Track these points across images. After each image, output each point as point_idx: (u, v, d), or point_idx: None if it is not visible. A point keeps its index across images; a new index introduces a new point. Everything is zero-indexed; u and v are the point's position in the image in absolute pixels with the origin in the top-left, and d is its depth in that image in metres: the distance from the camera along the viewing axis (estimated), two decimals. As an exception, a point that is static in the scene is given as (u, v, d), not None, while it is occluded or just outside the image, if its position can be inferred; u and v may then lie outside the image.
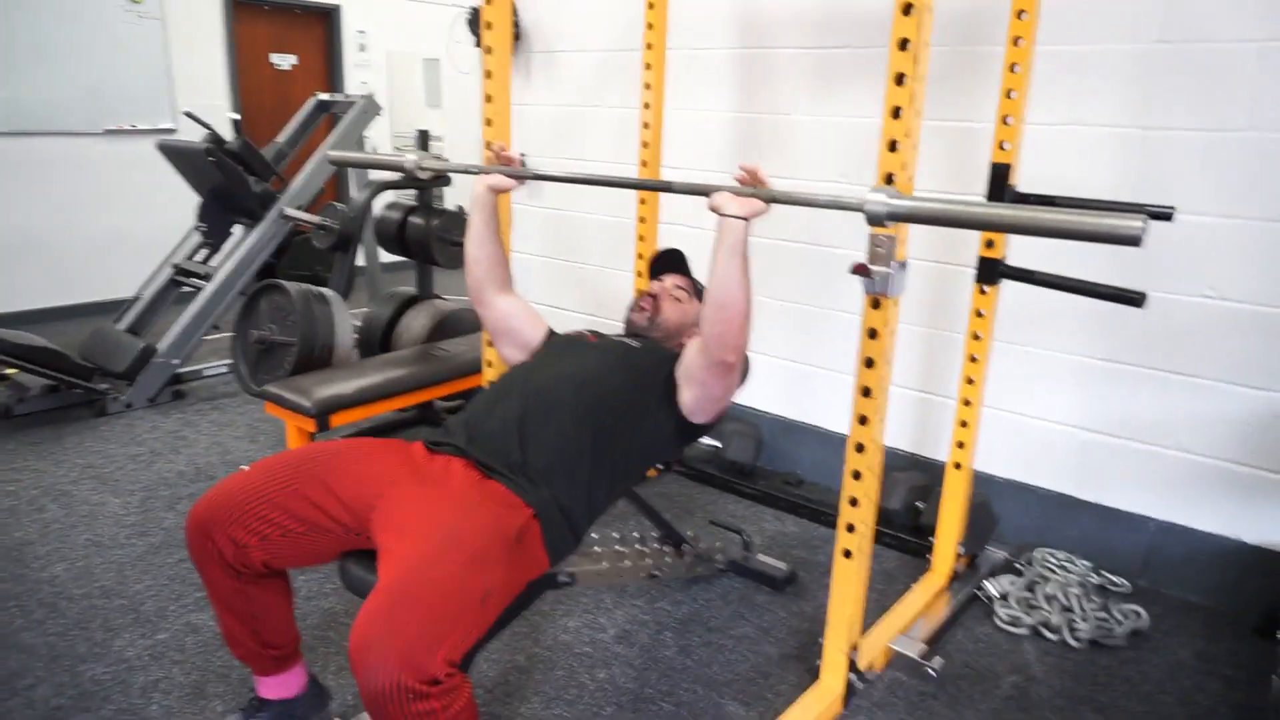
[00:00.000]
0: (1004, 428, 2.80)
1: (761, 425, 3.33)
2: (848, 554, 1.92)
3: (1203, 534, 2.52)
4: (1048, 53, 2.51)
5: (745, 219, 1.68)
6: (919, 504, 2.81)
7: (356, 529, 1.62)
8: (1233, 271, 2.37)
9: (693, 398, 1.83)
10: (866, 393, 1.81)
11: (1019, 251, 2.53)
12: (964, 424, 2.43)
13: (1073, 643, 2.30)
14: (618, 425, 1.80)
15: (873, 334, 1.78)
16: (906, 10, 1.62)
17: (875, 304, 1.76)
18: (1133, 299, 2.07)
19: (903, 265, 1.74)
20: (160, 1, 5.54)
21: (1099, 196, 2.47)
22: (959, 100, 2.69)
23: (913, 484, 2.86)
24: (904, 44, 1.64)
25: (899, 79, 1.65)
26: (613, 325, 2.56)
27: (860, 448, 1.84)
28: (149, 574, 2.52)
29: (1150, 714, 2.05)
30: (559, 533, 1.65)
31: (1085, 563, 2.64)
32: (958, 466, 2.46)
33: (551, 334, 2.11)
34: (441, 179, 3.61)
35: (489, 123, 2.43)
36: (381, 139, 6.91)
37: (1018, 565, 2.62)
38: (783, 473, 3.30)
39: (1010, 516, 2.81)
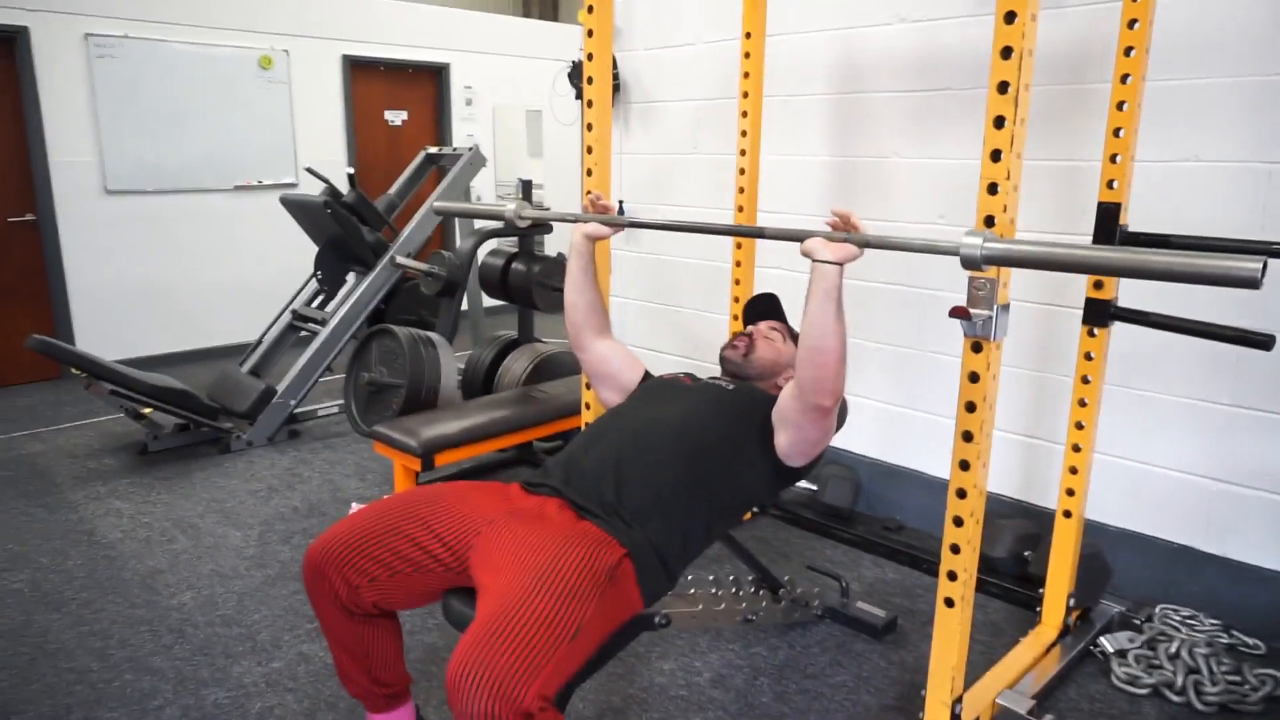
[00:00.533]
0: (1120, 476, 2.68)
1: (859, 469, 3.28)
2: (950, 602, 1.87)
3: (1346, 593, 2.34)
4: (1162, 87, 2.45)
5: (839, 264, 1.69)
6: (1026, 553, 2.71)
7: (457, 567, 1.68)
8: (1371, 311, 2.23)
9: (789, 441, 1.84)
10: (968, 437, 1.77)
11: (1132, 292, 2.45)
12: (1073, 470, 2.34)
13: (1200, 706, 2.16)
14: (713, 468, 1.81)
15: (974, 378, 1.74)
16: (1005, 54, 1.62)
17: (976, 348, 1.73)
18: (1260, 341, 1.97)
19: (1005, 308, 1.71)
20: (288, 66, 5.95)
21: (1221, 235, 2.38)
22: (1066, 139, 2.63)
23: (1019, 532, 2.76)
24: (1003, 87, 1.63)
25: (998, 122, 1.64)
26: (708, 368, 2.59)
27: (962, 493, 1.80)
28: (265, 604, 2.65)
29: (1289, 788, 1.91)
30: (652, 573, 1.67)
31: (1214, 621, 2.48)
32: (1068, 515, 2.36)
33: (647, 376, 2.15)
34: (541, 227, 3.74)
35: (589, 172, 2.52)
36: (486, 189, 7.19)
37: (1136, 621, 2.49)
38: (882, 518, 3.23)
39: (1128, 570, 2.67)
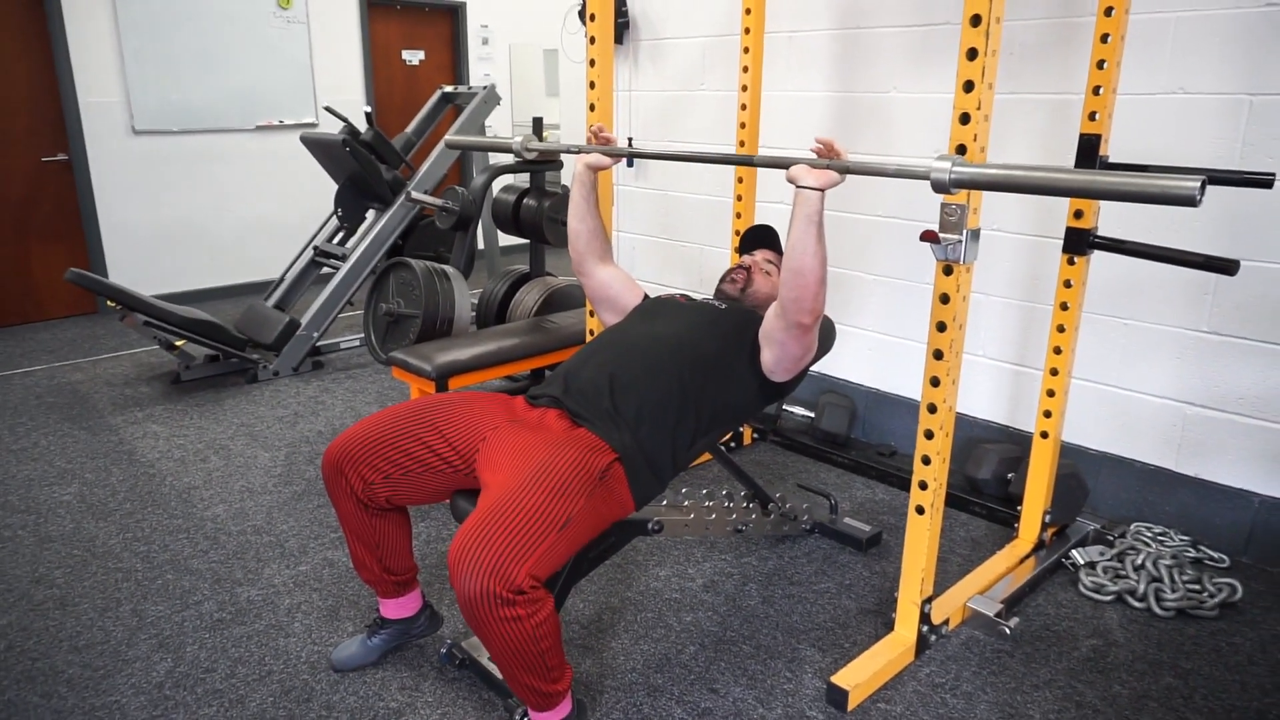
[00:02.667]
0: (1101, 401, 2.78)
1: (856, 397, 3.40)
2: (920, 510, 2.00)
3: (1310, 511, 2.45)
4: (1149, 20, 2.48)
5: (820, 190, 1.78)
6: (1009, 475, 2.83)
7: (464, 468, 1.83)
8: (1345, 240, 2.30)
9: (773, 357, 1.96)
10: (938, 355, 1.88)
11: (1117, 222, 2.52)
12: (1051, 393, 2.44)
13: (1159, 611, 2.29)
14: (703, 380, 1.94)
15: (945, 299, 1.85)
16: (977, -13, 1.69)
17: (947, 270, 1.84)
18: (1224, 267, 2.05)
19: (975, 234, 1.80)
20: (306, 6, 6.00)
21: (1202, 165, 2.44)
22: (1057, 73, 2.68)
23: (1003, 455, 2.87)
24: (976, 20, 1.70)
25: (971, 54, 1.72)
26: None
27: (932, 408, 1.92)
28: (293, 516, 2.84)
29: (1235, 682, 2.05)
30: (642, 476, 1.81)
31: (1184, 538, 2.60)
32: (1044, 435, 2.47)
33: (646, 299, 2.27)
34: (552, 162, 3.84)
35: (592, 107, 2.60)
36: (504, 127, 7.24)
37: (1110, 538, 2.61)
38: (876, 444, 3.36)
39: (1107, 491, 2.80)
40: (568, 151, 2.31)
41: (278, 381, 4.20)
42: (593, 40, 2.55)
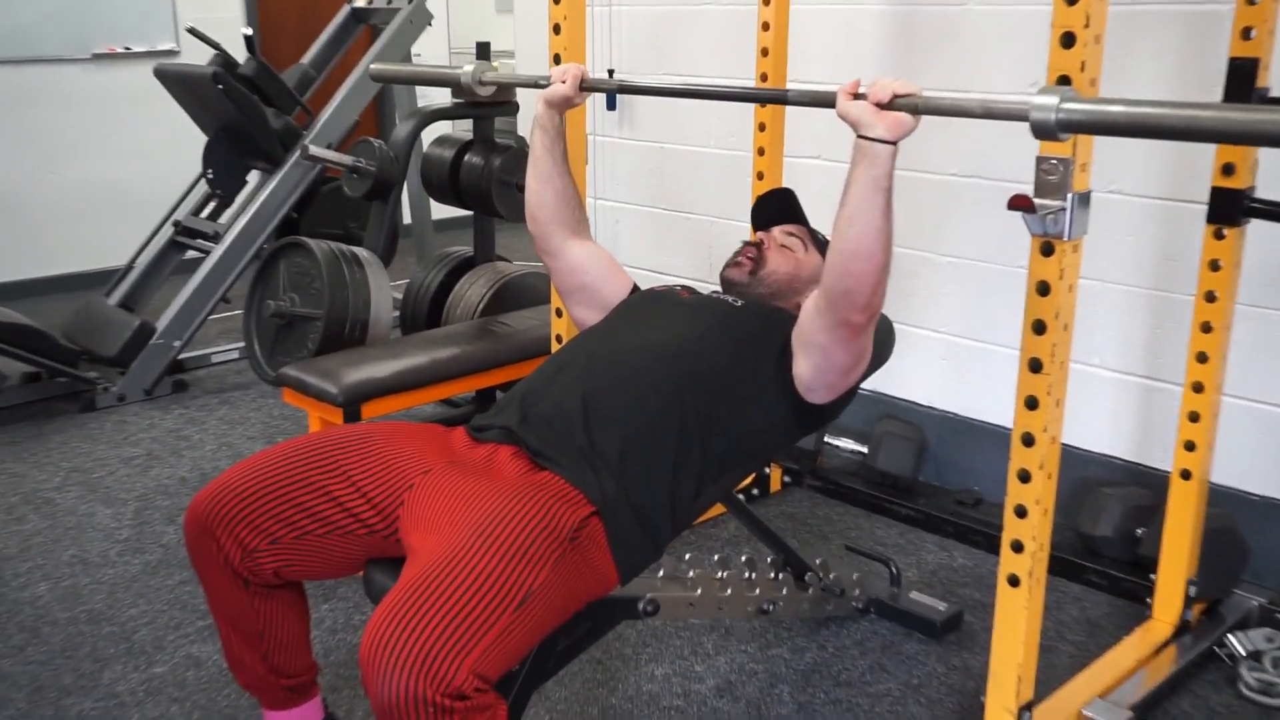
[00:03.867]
0: (1265, 427, 2.81)
1: (925, 425, 3.42)
2: (1014, 581, 2.01)
3: None
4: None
5: (893, 142, 1.76)
6: (1138, 530, 2.84)
7: (384, 529, 1.83)
8: None
9: (812, 368, 1.96)
10: (1036, 366, 1.90)
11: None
12: (1194, 417, 2.46)
13: (1349, 720, 2.31)
14: (713, 403, 1.94)
15: (1043, 289, 1.87)
16: None
17: (1046, 249, 1.85)
18: None
19: (1084, 198, 1.82)
20: (159, -111, 6.04)
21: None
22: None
23: (1130, 503, 2.89)
24: (1081, -96, 1.73)
25: (1074, -49, 1.74)
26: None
27: (1029, 440, 1.93)
28: (144, 597, 2.83)
29: None
30: (630, 537, 1.80)
31: (1383, 617, 2.62)
32: (1186, 476, 2.49)
33: (635, 290, 2.29)
34: (507, 104, 3.86)
35: (557, 28, 2.63)
36: (437, 57, 7.28)
37: (1280, 616, 2.64)
38: (953, 489, 3.38)
39: (1273, 550, 2.81)
40: (534, 85, 2.30)
41: (124, 409, 4.19)
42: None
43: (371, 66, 2.69)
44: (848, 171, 1.78)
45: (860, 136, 1.76)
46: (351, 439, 1.91)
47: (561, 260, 2.29)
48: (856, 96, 1.75)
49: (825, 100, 1.84)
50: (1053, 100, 1.59)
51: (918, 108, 1.76)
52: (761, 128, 3.15)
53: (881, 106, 1.73)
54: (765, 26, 3.06)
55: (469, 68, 2.31)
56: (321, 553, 1.83)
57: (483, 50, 3.75)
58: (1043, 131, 1.63)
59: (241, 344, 4.20)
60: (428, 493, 1.79)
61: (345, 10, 4.98)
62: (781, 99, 2.00)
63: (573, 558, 1.69)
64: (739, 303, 2.16)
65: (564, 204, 2.26)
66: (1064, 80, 1.77)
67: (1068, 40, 1.77)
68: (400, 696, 1.43)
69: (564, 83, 2.19)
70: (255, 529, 1.80)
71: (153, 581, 2.91)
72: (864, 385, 3.19)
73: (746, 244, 2.29)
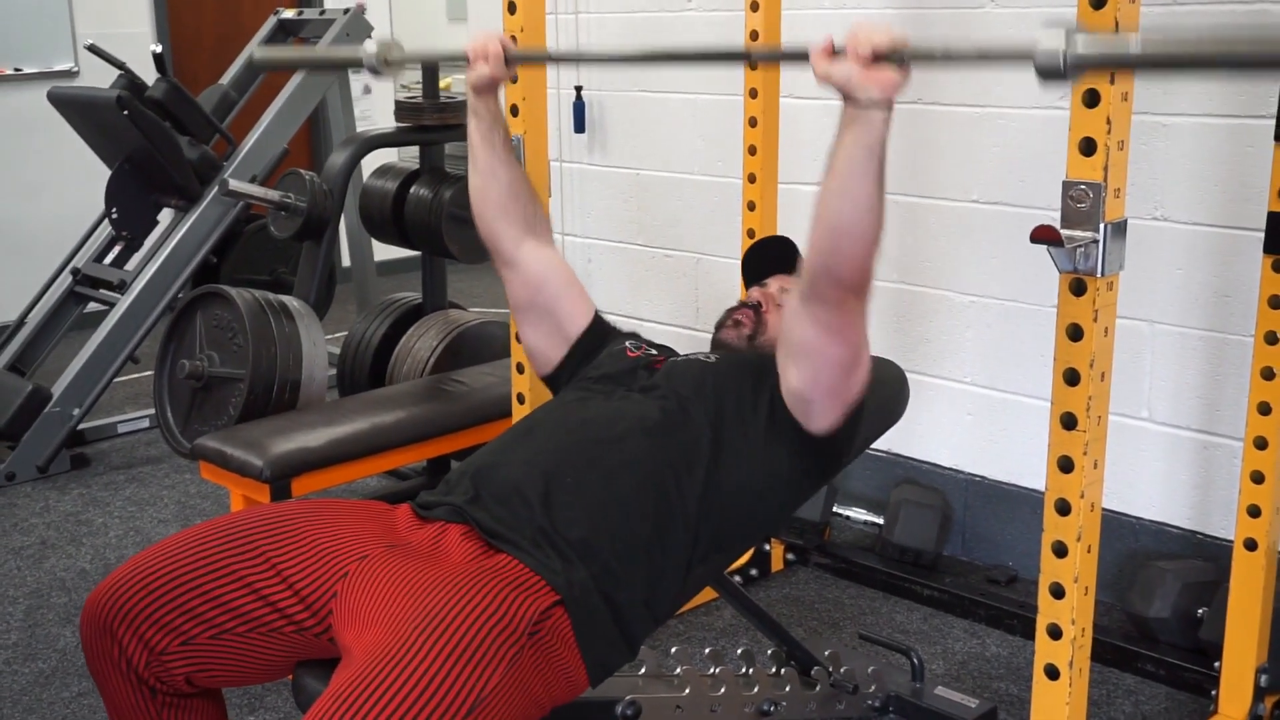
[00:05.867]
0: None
1: (950, 490, 3.43)
2: (1052, 673, 2.01)
3: None
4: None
5: (889, 104, 1.77)
6: (1200, 611, 2.85)
7: (315, 627, 1.81)
8: None
9: (803, 377, 1.93)
10: (1070, 422, 1.91)
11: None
12: (1258, 478, 2.47)
13: None
14: (700, 475, 1.94)
15: (1075, 333, 1.88)
16: None
17: (1078, 287, 1.87)
18: None
19: (1119, 227, 1.84)
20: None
21: None
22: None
23: (1189, 579, 2.89)
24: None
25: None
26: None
27: (1064, 507, 1.94)
28: (35, 713, 2.79)
29: None
30: (601, 632, 1.79)
31: None
32: (1251, 546, 2.50)
33: (599, 321, 2.29)
34: (460, 126, 3.87)
35: (513, 39, 2.64)
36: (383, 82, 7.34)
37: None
38: (984, 565, 3.38)
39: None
40: (453, 61, 2.27)
41: (14, 490, 4.16)
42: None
43: (255, 52, 2.66)
44: (834, 140, 1.77)
45: (849, 102, 1.74)
46: (277, 520, 1.89)
47: (518, 270, 2.27)
48: (834, 53, 1.73)
49: (796, 56, 1.79)
50: (1058, 36, 1.51)
51: (904, 59, 1.71)
52: (752, 150, 3.18)
53: (866, 64, 1.72)
54: (754, 36, 3.09)
55: (371, 46, 2.28)
56: (242, 654, 1.81)
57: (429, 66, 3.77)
58: (1049, 72, 1.53)
59: (152, 411, 4.19)
60: (364, 582, 1.77)
61: (271, 22, 5.02)
62: (744, 57, 1.97)
63: (532, 656, 1.67)
64: (713, 357, 2.18)
65: (513, 199, 2.26)
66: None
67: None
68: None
69: (485, 61, 2.17)
70: (163, 627, 1.78)
71: (45, 694, 2.87)
72: (877, 446, 3.25)
73: (743, 305, 2.31)
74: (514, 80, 2.59)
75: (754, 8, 3.08)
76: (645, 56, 2.21)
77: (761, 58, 1.98)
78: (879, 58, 1.69)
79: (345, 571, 1.81)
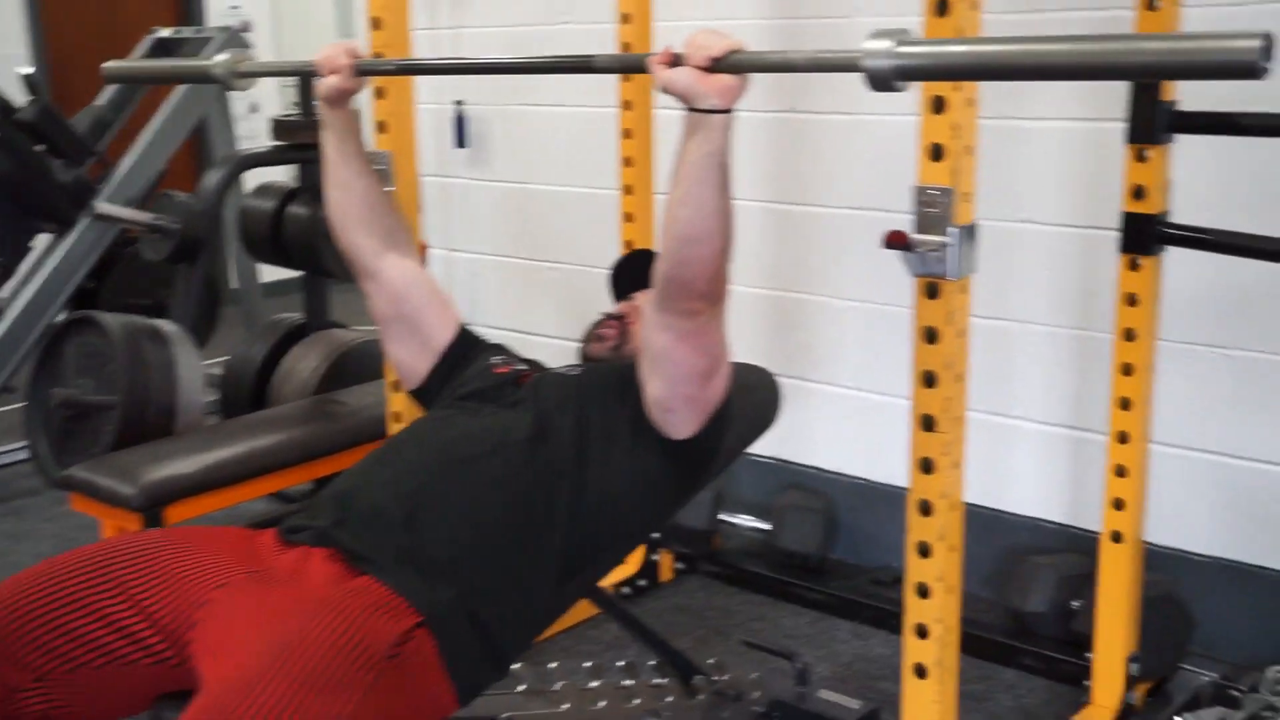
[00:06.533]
0: (1204, 479, 2.89)
1: (833, 494, 3.45)
2: (922, 672, 2.03)
3: None
4: None
5: (727, 110, 1.78)
6: (1074, 604, 2.89)
7: (174, 658, 1.76)
8: None
9: (661, 384, 1.94)
10: (928, 424, 1.93)
11: (1209, 203, 2.61)
12: (1121, 472, 2.52)
13: (1313, 808, 2.36)
14: (567, 486, 1.93)
15: (930, 335, 1.90)
16: None
17: (931, 291, 1.89)
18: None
19: (969, 231, 1.87)
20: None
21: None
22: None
23: (1063, 573, 2.94)
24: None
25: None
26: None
27: (926, 508, 1.96)
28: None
29: None
30: (467, 651, 1.77)
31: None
32: (1117, 538, 2.54)
33: (465, 335, 2.28)
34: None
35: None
36: (269, 94, 7.23)
37: (1235, 692, 2.68)
38: (869, 567, 3.40)
39: (1224, 619, 2.88)
40: (300, 75, 2.27)
41: (-115, 524, 4.04)
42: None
43: (105, 66, 2.60)
44: (678, 148, 1.78)
45: (691, 109, 1.76)
46: (135, 550, 1.84)
47: (380, 283, 2.24)
48: (675, 61, 1.74)
49: (634, 66, 1.83)
50: (886, 44, 1.54)
51: (742, 66, 1.74)
52: (628, 162, 3.18)
53: (705, 70, 1.73)
54: (625, 48, 3.10)
55: (220, 57, 2.27)
56: (100, 689, 1.76)
57: (304, 83, 3.73)
58: (879, 81, 1.57)
59: (25, 441, 4.09)
60: (223, 610, 1.74)
61: (148, 41, 4.93)
62: (586, 67, 1.97)
63: (393, 680, 1.65)
64: (574, 372, 2.18)
65: (371, 212, 2.24)
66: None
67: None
68: None
69: (335, 73, 2.16)
70: (15, 663, 1.72)
71: (-85, 735, 2.79)
72: (762, 452, 3.26)
73: (607, 317, 2.31)
74: (374, 92, 2.57)
75: (625, 19, 3.10)
76: (489, 68, 2.22)
77: (604, 66, 1.97)
78: (716, 65, 1.70)
79: (205, 600, 1.77)
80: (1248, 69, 1.28)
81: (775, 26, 3.39)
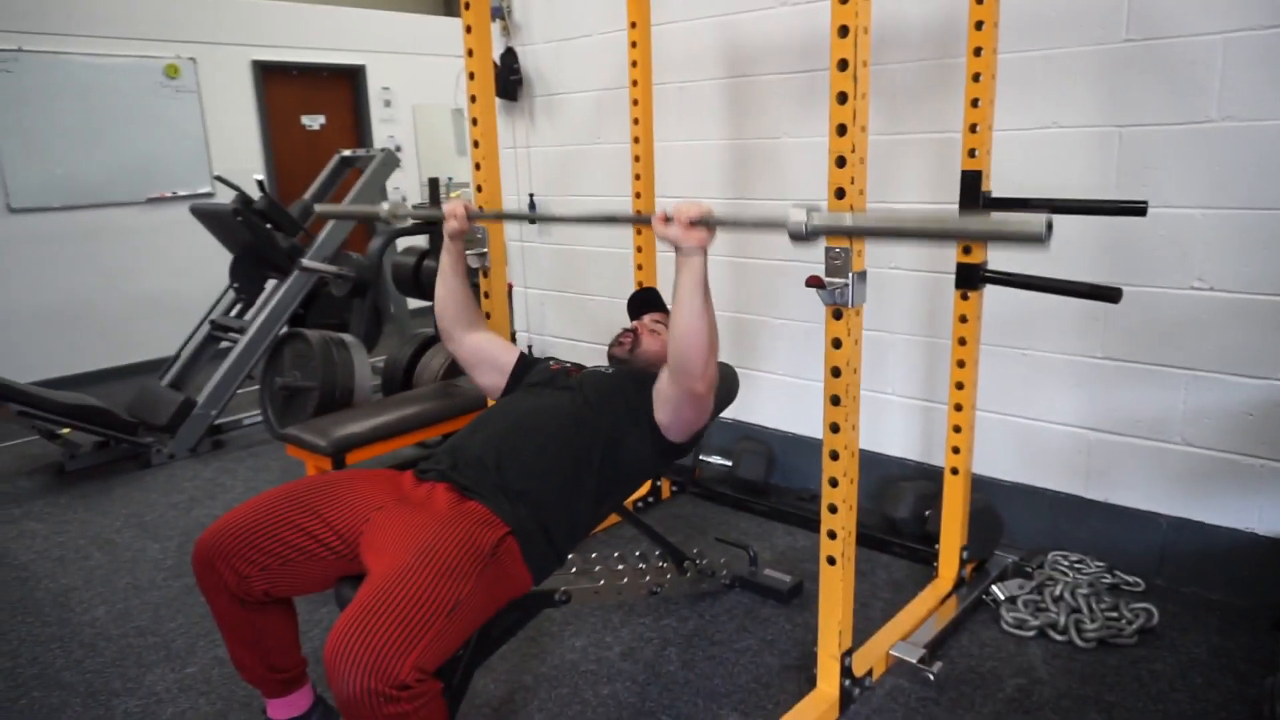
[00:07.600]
0: (1008, 432, 2.82)
1: (772, 442, 3.38)
2: (831, 560, 1.96)
3: (1215, 528, 2.50)
4: (1019, 59, 2.57)
5: (703, 251, 1.78)
6: (926, 513, 2.83)
7: (349, 554, 1.72)
8: (1221, 261, 2.38)
9: (668, 419, 1.94)
10: (836, 401, 1.86)
11: (1010, 255, 2.56)
12: (957, 429, 2.45)
13: (1080, 643, 2.29)
14: (595, 446, 1.88)
15: (837, 344, 1.83)
16: (843, 32, 1.70)
17: (837, 314, 1.82)
18: (1108, 295, 2.10)
19: (861, 276, 1.80)
20: (195, 74, 5.87)
21: (1078, 195, 2.52)
22: (938, 113, 2.75)
23: (920, 493, 2.88)
24: (843, 64, 1.72)
25: (841, 98, 1.73)
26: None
27: (834, 455, 1.89)
28: (182, 613, 2.65)
29: (1159, 712, 2.04)
30: (538, 550, 1.73)
31: (1099, 564, 2.62)
32: (955, 472, 2.48)
33: (525, 358, 2.22)
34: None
35: (478, 166, 2.56)
36: (412, 188, 7.17)
37: (1029, 569, 2.62)
38: (796, 489, 3.34)
39: (1021, 521, 2.81)
40: (432, 219, 2.30)
41: (173, 465, 3.98)
42: (474, 99, 2.52)
43: (317, 207, 2.65)
44: (675, 276, 1.80)
45: (678, 252, 1.78)
46: (322, 486, 1.80)
47: (462, 347, 2.25)
48: (667, 220, 1.77)
49: (646, 220, 1.88)
50: (802, 216, 1.62)
51: (711, 223, 1.77)
52: (638, 232, 3.11)
53: (686, 227, 1.75)
54: (636, 158, 3.03)
55: (385, 206, 2.35)
56: (301, 574, 1.72)
57: (433, 186, 3.68)
58: (796, 236, 1.64)
59: (260, 411, 4.05)
60: (381, 524, 1.69)
61: (336, 158, 4.87)
62: (612, 219, 2.03)
63: (494, 570, 1.60)
64: (610, 369, 2.12)
65: (463, 309, 2.23)
66: (840, 192, 1.75)
67: (840, 162, 1.75)
68: (357, 691, 1.33)
69: (455, 219, 2.18)
70: (247, 560, 1.68)
71: (188, 600, 2.74)
72: (726, 415, 3.19)
73: (625, 330, 2.27)
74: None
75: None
76: (549, 219, 2.20)
77: (623, 219, 2.01)
78: (694, 223, 1.76)
79: (368, 517, 1.73)
80: (1036, 239, 1.34)
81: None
